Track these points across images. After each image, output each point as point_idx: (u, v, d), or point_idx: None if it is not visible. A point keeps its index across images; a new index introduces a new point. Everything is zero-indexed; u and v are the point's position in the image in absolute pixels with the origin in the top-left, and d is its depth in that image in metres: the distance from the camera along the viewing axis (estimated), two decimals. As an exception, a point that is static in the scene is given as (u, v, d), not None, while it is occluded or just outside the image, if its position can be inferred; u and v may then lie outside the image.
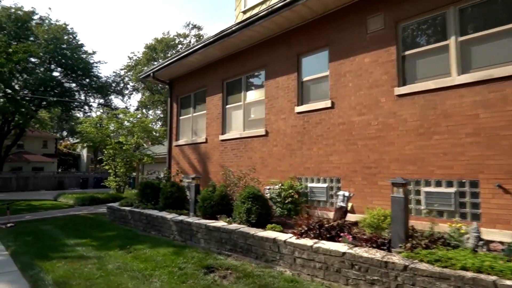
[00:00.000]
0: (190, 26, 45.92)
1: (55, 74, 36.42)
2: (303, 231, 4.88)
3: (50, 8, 58.59)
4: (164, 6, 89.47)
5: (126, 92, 46.93)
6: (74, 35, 38.73)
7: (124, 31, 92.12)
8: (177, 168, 11.13)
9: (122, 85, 46.71)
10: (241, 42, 8.70)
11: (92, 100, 41.76)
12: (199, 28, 46.50)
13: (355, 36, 6.51)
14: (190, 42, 46.29)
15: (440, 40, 5.45)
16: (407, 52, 5.84)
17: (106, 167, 17.25)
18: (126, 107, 44.46)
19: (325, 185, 6.79)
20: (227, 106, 9.68)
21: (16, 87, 30.30)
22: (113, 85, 43.73)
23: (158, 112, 46.65)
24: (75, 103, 39.99)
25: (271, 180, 7.45)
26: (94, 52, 38.12)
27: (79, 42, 38.50)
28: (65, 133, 56.80)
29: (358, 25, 6.46)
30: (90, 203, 13.42)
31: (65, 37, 37.32)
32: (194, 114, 11.06)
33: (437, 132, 5.27)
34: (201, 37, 45.98)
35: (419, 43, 5.78)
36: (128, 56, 46.71)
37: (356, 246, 4.26)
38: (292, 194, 6.63)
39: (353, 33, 6.54)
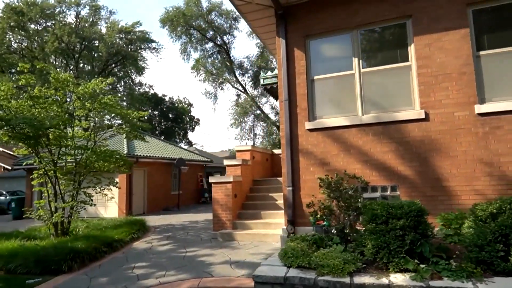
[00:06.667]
0: (81, -8, 34.63)
1: None
2: None
3: None
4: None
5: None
6: None
7: None
8: (324, 173, 5.60)
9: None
10: None
11: None
12: (93, -2, 35.67)
13: None
14: (80, 13, 35.12)
15: None
16: None
17: (34, 183, 8.73)
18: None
19: None
20: (482, 53, 5.16)
21: None
22: None
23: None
24: None
25: None
26: None
27: None
28: None
29: None
30: (35, 268, 5.35)
31: None
32: (366, 70, 5.86)
33: None
34: (98, 10, 35.57)
35: None
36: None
37: None
38: None
39: None
